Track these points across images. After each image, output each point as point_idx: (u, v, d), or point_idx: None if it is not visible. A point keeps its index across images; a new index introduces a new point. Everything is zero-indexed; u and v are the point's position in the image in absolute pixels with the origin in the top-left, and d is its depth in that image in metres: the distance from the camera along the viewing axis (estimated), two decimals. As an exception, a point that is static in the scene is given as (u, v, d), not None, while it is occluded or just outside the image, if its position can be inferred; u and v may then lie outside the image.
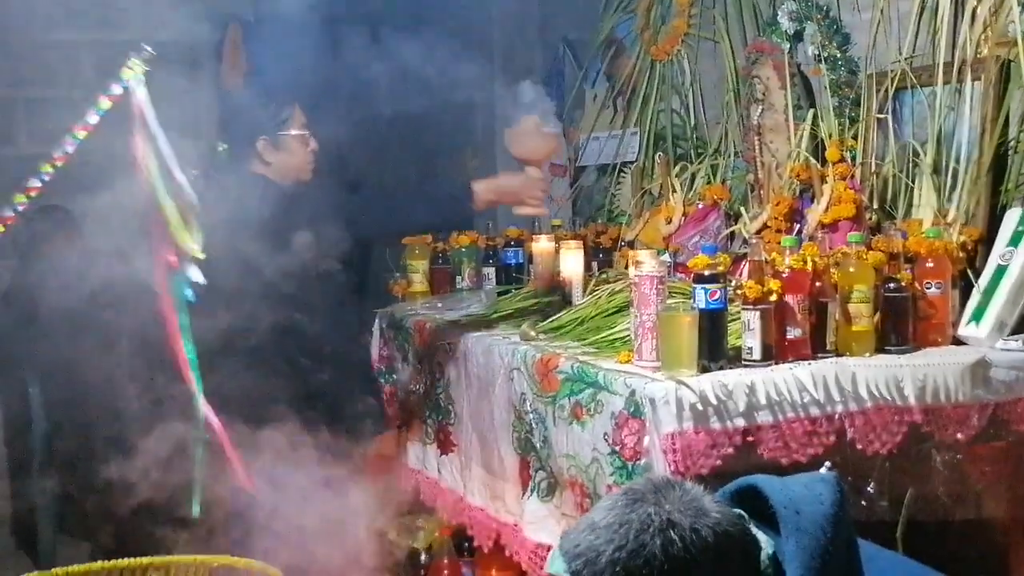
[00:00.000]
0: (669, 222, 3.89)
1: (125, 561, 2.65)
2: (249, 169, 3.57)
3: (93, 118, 2.94)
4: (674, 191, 3.98)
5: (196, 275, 3.03)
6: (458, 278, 4.26)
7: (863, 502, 2.65)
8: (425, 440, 3.77)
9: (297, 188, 3.54)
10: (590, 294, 3.40)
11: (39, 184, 2.97)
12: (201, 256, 2.91)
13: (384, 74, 3.26)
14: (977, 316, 2.85)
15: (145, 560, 2.67)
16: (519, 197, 3.56)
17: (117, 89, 2.91)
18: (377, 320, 4.13)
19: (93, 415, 3.63)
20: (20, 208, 2.98)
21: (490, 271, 4.20)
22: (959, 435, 2.69)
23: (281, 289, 3.29)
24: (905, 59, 3.25)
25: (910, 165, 3.20)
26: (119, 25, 5.19)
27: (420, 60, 3.23)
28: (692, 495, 1.59)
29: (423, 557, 4.12)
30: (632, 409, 2.58)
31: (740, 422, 2.54)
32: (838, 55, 3.46)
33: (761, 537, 1.61)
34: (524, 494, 3.03)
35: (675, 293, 2.98)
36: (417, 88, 3.31)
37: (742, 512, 1.62)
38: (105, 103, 2.94)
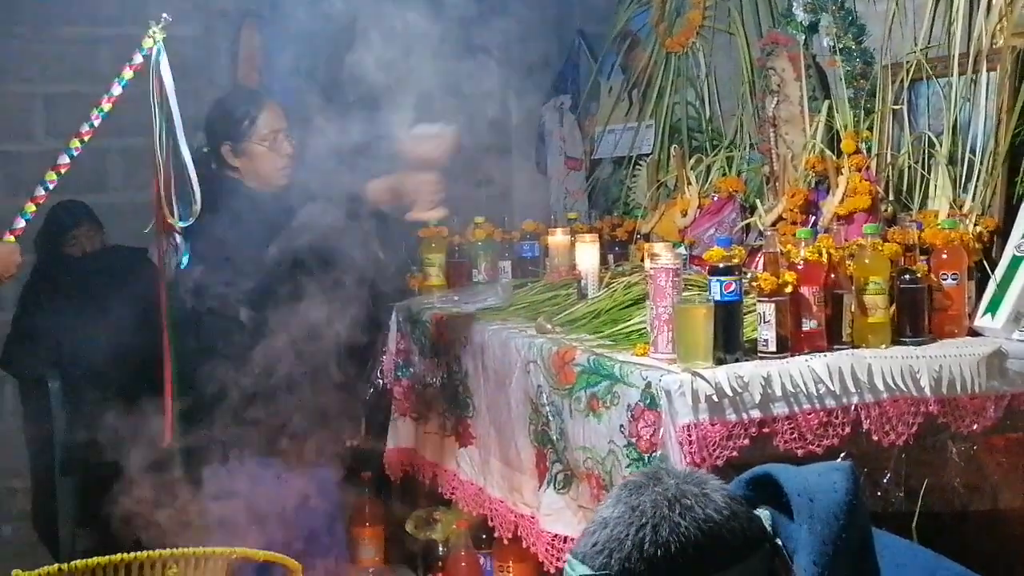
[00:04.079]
0: (684, 215, 3.89)
1: (145, 553, 2.66)
2: (222, 172, 3.60)
3: (116, 89, 2.98)
4: (689, 183, 3.99)
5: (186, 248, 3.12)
6: (474, 271, 4.27)
7: (879, 493, 2.65)
8: (443, 433, 3.79)
9: (266, 194, 3.56)
10: (606, 287, 3.41)
11: (68, 160, 3.00)
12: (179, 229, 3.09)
13: (395, 69, 3.26)
14: (993, 307, 2.84)
15: (165, 552, 2.69)
16: (413, 198, 3.41)
17: (138, 59, 2.96)
18: (394, 314, 4.14)
19: (113, 407, 3.64)
20: (51, 186, 3.03)
21: (506, 264, 4.21)
22: (975, 426, 2.69)
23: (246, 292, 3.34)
24: (920, 50, 3.25)
25: (925, 156, 3.19)
26: (136, 20, 5.24)
27: (433, 54, 3.23)
28: (689, 470, 1.63)
29: (441, 549, 4.14)
30: (648, 401, 2.59)
31: (756, 413, 2.55)
32: (853, 46, 3.45)
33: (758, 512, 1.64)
34: (541, 486, 3.04)
35: (691, 285, 2.99)
36: (430, 83, 3.31)
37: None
38: (128, 73, 2.98)
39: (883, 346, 2.73)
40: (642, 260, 3.46)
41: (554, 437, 2.98)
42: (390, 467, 4.12)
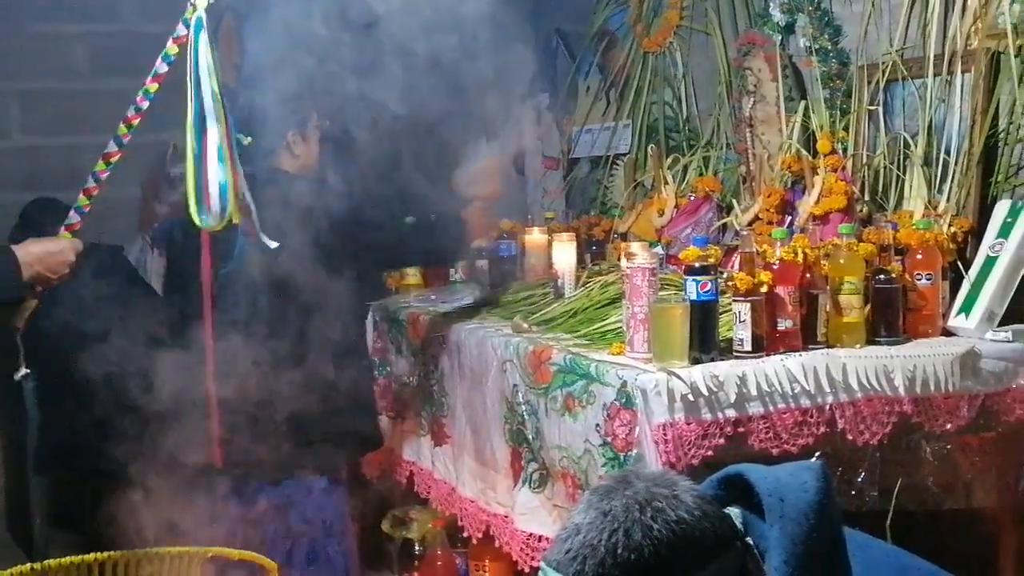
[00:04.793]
0: (661, 214, 3.89)
1: (119, 553, 2.66)
2: (272, 163, 3.56)
3: (162, 67, 2.82)
4: (666, 183, 3.99)
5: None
6: (452, 270, 4.27)
7: (853, 492, 2.66)
8: (419, 432, 3.78)
9: (320, 182, 3.50)
10: (582, 286, 3.41)
11: (117, 148, 2.87)
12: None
13: (372, 68, 3.25)
14: (967, 307, 2.86)
15: (140, 551, 2.68)
16: (474, 227, 3.73)
17: (181, 30, 2.75)
18: (371, 313, 4.14)
19: (87, 407, 3.62)
20: (102, 177, 2.90)
21: (483, 263, 4.20)
22: (948, 425, 2.70)
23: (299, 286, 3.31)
24: (896, 51, 3.26)
25: (901, 157, 3.21)
26: (111, 17, 5.21)
27: (409, 54, 3.23)
28: (659, 472, 1.63)
29: (417, 548, 4.13)
30: (624, 400, 2.59)
31: (731, 413, 2.55)
32: (829, 47, 3.46)
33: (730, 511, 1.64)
34: (516, 485, 3.04)
35: (667, 285, 2.99)
36: (407, 82, 3.30)
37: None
38: (172, 48, 2.81)
39: (858, 346, 2.74)
40: (619, 259, 3.46)
41: (530, 436, 2.98)
42: (366, 466, 4.11)
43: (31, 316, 3.04)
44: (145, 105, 2.81)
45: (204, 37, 2.72)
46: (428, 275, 4.27)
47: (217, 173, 2.74)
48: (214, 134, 2.73)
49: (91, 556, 2.63)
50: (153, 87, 2.80)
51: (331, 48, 3.12)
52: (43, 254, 2.93)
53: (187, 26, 2.77)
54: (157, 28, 4.66)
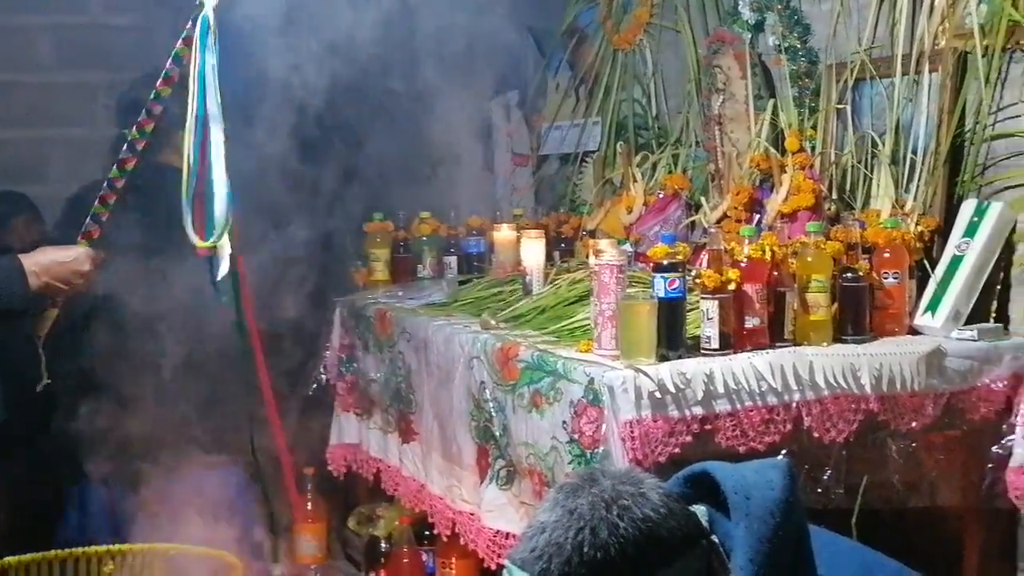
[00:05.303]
0: (630, 212, 3.90)
1: (80, 550, 2.63)
2: (161, 158, 3.49)
3: (173, 69, 2.67)
4: (635, 181, 3.99)
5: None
6: (419, 266, 4.26)
7: (819, 490, 2.67)
8: (386, 429, 3.77)
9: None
10: (551, 283, 3.41)
11: (132, 154, 2.76)
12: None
13: (338, 64, 3.23)
14: (933, 306, 2.87)
15: (101, 548, 2.66)
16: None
17: (190, 30, 2.62)
18: (338, 309, 4.12)
19: (49, 404, 3.59)
20: (117, 185, 2.80)
21: (451, 260, 4.20)
22: (914, 424, 2.71)
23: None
24: (864, 50, 3.27)
25: (868, 156, 3.22)
26: (77, 9, 5.16)
27: (376, 51, 3.21)
28: (625, 470, 1.62)
29: (383, 545, 4.12)
30: (591, 397, 2.58)
31: (698, 410, 2.55)
32: (798, 45, 3.47)
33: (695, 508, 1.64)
34: (483, 482, 3.03)
35: (635, 282, 2.99)
36: (372, 80, 3.29)
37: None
38: (183, 49, 2.67)
39: (825, 344, 2.74)
40: (587, 256, 3.45)
41: (497, 433, 2.97)
42: (333, 463, 4.10)
43: (53, 325, 2.96)
44: (158, 109, 2.74)
45: (211, 39, 2.63)
46: (396, 271, 4.25)
47: (223, 182, 2.63)
48: (218, 140, 2.63)
49: (52, 553, 2.61)
50: (165, 91, 2.71)
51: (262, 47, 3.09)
52: (52, 264, 2.80)
53: (195, 24, 2.69)
54: (123, 21, 4.64)
